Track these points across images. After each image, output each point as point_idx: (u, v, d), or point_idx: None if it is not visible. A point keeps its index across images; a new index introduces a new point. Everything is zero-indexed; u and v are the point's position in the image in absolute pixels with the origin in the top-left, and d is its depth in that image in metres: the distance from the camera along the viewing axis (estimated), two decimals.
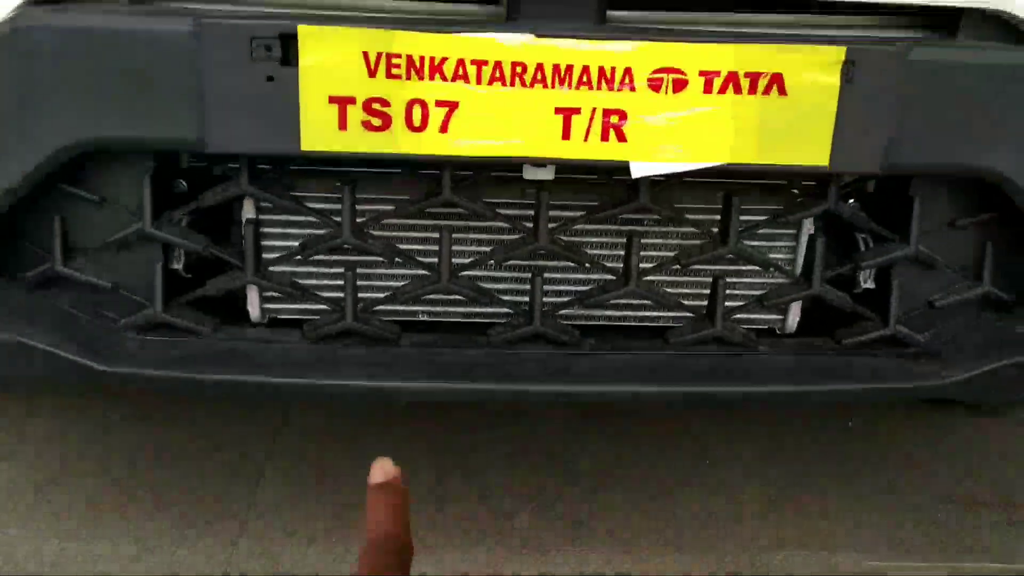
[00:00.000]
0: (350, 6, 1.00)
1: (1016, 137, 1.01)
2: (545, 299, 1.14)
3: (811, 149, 0.99)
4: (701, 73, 0.97)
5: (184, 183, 1.14)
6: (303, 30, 0.93)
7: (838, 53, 0.96)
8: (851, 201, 1.19)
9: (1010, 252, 1.15)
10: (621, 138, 0.98)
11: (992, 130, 1.00)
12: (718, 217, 1.12)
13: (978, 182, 1.07)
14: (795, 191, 1.14)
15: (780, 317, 1.21)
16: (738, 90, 0.97)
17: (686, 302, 1.17)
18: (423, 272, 1.11)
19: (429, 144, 0.98)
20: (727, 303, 1.16)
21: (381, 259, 1.11)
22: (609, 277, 1.13)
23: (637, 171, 1.01)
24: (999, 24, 1.01)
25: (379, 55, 0.94)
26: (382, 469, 0.59)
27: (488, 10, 1.00)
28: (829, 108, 0.98)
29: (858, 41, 0.97)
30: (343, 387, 1.07)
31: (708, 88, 0.97)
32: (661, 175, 1.02)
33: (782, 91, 0.98)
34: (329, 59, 0.94)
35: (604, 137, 0.98)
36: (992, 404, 1.21)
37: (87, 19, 0.95)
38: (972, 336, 1.16)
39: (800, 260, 1.18)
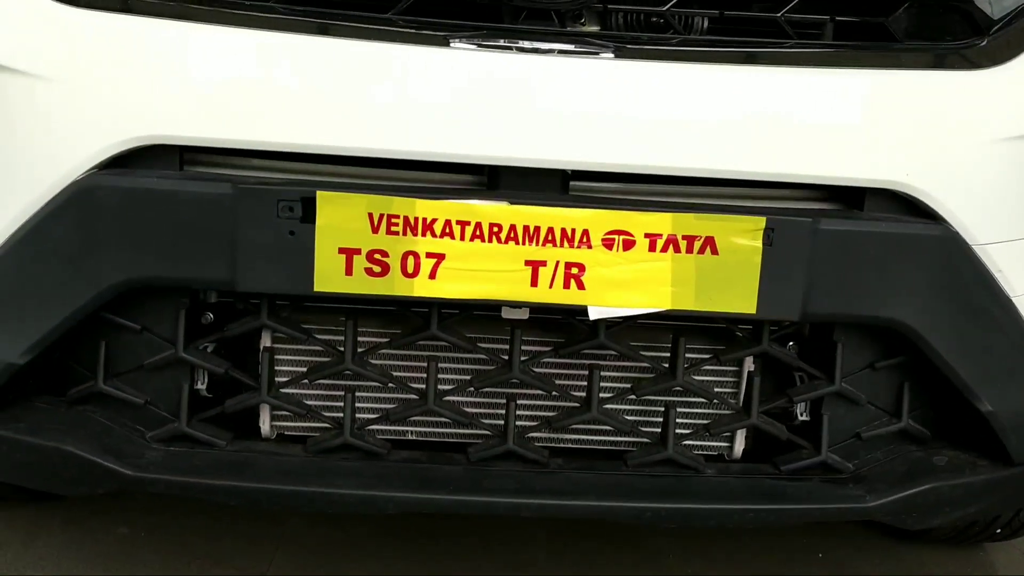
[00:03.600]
0: (359, 175, 1.21)
1: (913, 293, 1.20)
2: (518, 422, 1.31)
3: (741, 299, 1.18)
4: (646, 235, 1.17)
5: (211, 315, 1.33)
6: (321, 195, 1.15)
7: (759, 222, 1.17)
8: (791, 343, 1.37)
9: (924, 391, 1.32)
10: (580, 286, 1.18)
11: (892, 287, 1.20)
12: (668, 354, 1.30)
13: (891, 330, 1.25)
14: (738, 333, 1.32)
15: (728, 444, 1.38)
16: (677, 249, 1.17)
17: (644, 428, 1.34)
18: (412, 396, 1.28)
19: (420, 288, 1.17)
20: (679, 430, 1.33)
21: (376, 384, 1.29)
22: (574, 404, 1.30)
23: (594, 314, 1.19)
24: (898, 199, 1.21)
25: (381, 215, 1.15)
26: None
27: (473, 179, 1.22)
28: (754, 266, 1.18)
29: (779, 212, 1.18)
30: (338, 495, 1.23)
31: (652, 247, 1.17)
32: (615, 318, 1.21)
33: (715, 251, 1.18)
34: (340, 218, 1.15)
35: (566, 285, 1.18)
36: (911, 527, 1.35)
37: (144, 182, 1.17)
38: (894, 465, 1.32)
39: (743, 393, 1.35)
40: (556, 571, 1.70)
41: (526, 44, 1.17)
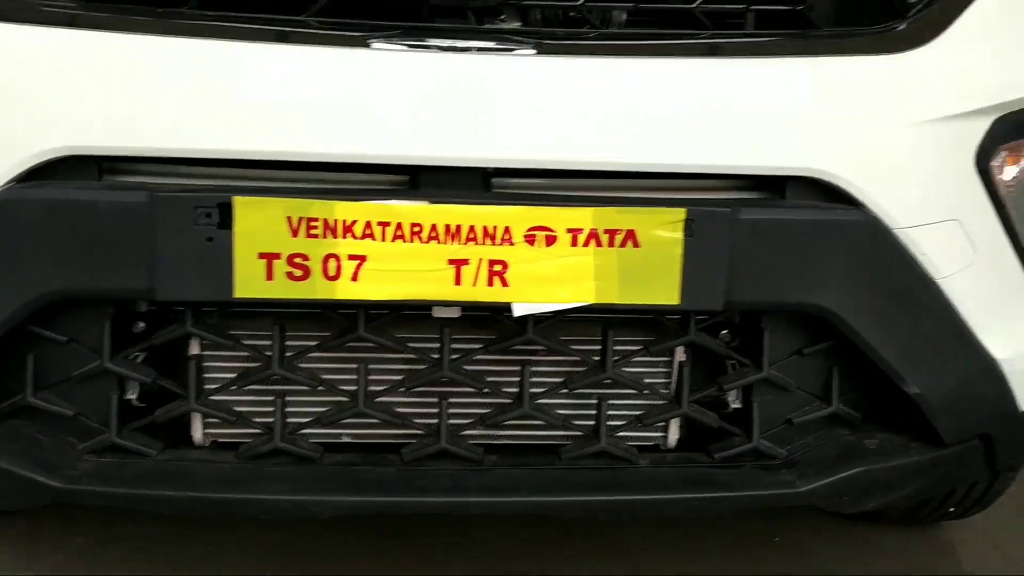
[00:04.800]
0: (280, 178, 1.21)
1: (835, 279, 1.21)
2: (454, 421, 1.31)
3: (664, 290, 1.19)
4: (568, 230, 1.17)
5: (143, 324, 1.32)
6: (238, 200, 1.14)
7: (679, 214, 1.17)
8: (724, 332, 1.38)
9: (853, 376, 1.33)
10: (504, 283, 1.18)
11: (814, 273, 1.20)
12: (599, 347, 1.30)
13: (817, 316, 1.26)
14: (668, 324, 1.33)
15: (664, 434, 1.38)
16: (599, 244, 1.17)
17: (580, 421, 1.34)
18: (343, 399, 1.28)
19: (343, 291, 1.17)
20: (614, 422, 1.33)
21: (308, 387, 1.29)
22: (507, 401, 1.31)
23: (518, 311, 1.20)
24: (819, 186, 1.22)
25: (300, 219, 1.14)
26: None
27: (395, 179, 1.21)
28: (676, 257, 1.18)
29: (699, 203, 1.19)
30: (270, 502, 1.22)
31: (575, 242, 1.18)
32: (544, 313, 1.21)
33: (636, 244, 1.18)
34: (258, 223, 1.14)
35: (490, 283, 1.18)
36: (845, 510, 1.36)
37: (61, 193, 1.15)
38: (825, 449, 1.33)
39: (675, 383, 1.36)
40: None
41: (444, 43, 1.17)
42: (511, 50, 1.17)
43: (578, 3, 1.19)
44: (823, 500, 1.28)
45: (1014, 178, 1.32)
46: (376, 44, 1.15)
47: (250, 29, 1.15)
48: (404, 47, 1.16)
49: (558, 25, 1.24)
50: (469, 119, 1.15)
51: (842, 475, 1.29)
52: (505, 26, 1.22)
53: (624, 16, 1.24)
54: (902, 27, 1.20)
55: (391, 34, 1.17)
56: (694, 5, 1.18)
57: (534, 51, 1.17)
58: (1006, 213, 1.31)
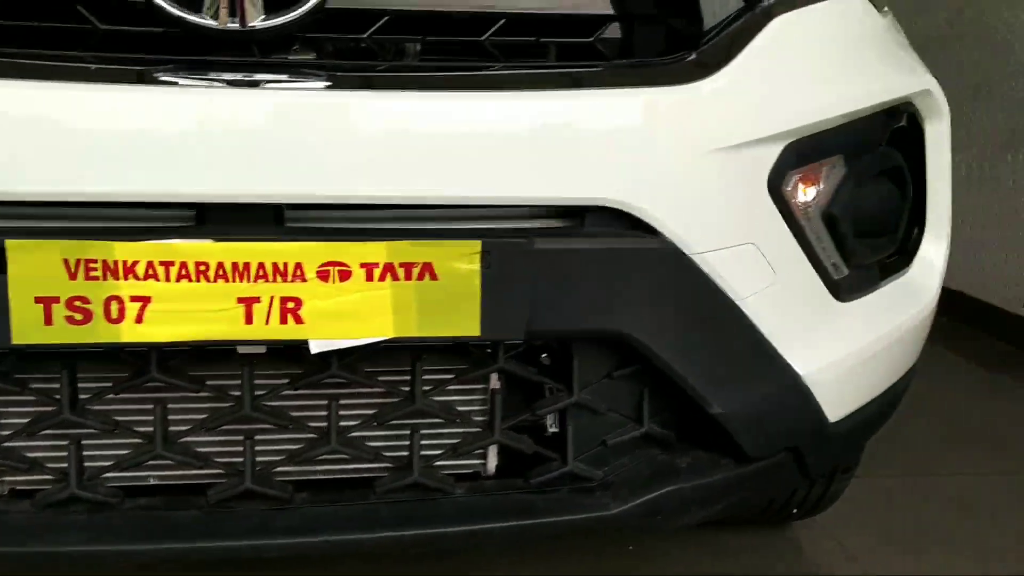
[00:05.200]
0: (63, 217, 1.15)
1: (633, 304, 1.22)
2: (263, 458, 1.28)
3: (464, 322, 1.19)
4: (362, 265, 1.16)
5: None
6: (10, 244, 1.08)
7: (475, 246, 1.17)
8: (544, 356, 1.38)
9: (663, 397, 1.35)
10: (298, 321, 1.16)
11: (612, 300, 1.22)
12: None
13: (622, 340, 1.28)
14: (479, 352, 1.33)
15: (483, 462, 1.38)
16: (396, 277, 1.16)
17: (397, 453, 1.33)
18: (140, 441, 1.24)
19: (127, 334, 1.13)
20: (431, 451, 1.32)
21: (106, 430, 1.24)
22: (315, 436, 1.28)
23: (314, 347, 1.18)
24: (619, 214, 1.23)
25: (78, 261, 1.10)
26: None
27: (182, 216, 1.17)
28: (474, 289, 1.18)
29: (495, 234, 1.18)
30: (64, 554, 1.17)
31: (369, 277, 1.16)
32: (341, 349, 1.19)
33: (433, 277, 1.17)
34: (34, 266, 1.09)
35: (283, 320, 1.15)
36: (662, 529, 1.39)
37: None
38: (639, 470, 1.35)
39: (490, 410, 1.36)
40: None
41: (230, 76, 1.14)
42: (300, 83, 1.15)
43: (362, 36, 1.17)
44: (637, 520, 1.30)
45: (808, 201, 1.37)
46: (158, 78, 1.12)
47: (20, 65, 1.10)
48: (187, 81, 1.12)
49: (352, 58, 1.22)
50: (256, 154, 1.12)
51: (654, 495, 1.31)
52: (295, 58, 1.20)
53: (418, 47, 1.23)
54: (692, 58, 1.22)
55: (173, 68, 1.13)
56: (482, 38, 1.18)
57: (325, 84, 1.15)
58: (804, 235, 1.36)
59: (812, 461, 1.46)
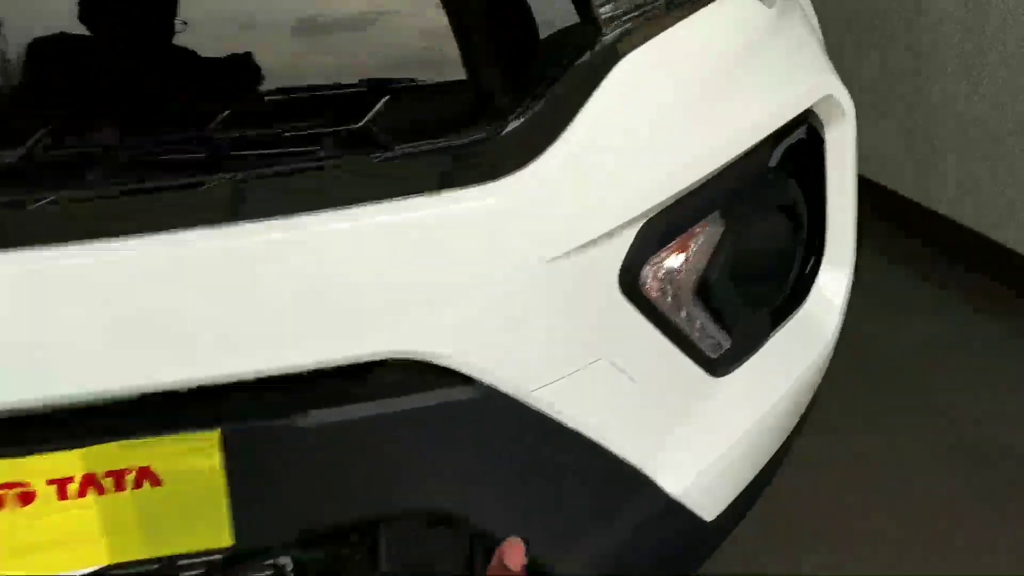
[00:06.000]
0: None
1: (444, 472, 0.92)
2: None
3: (209, 532, 0.87)
4: (50, 482, 0.82)
5: None
6: None
7: (210, 438, 0.84)
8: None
9: None
10: None
11: (418, 472, 0.91)
12: None
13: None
14: None
15: None
16: (101, 490, 0.83)
17: None
18: None
19: None
20: None
21: None
22: None
23: None
24: (420, 366, 0.89)
25: None
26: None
27: None
28: (217, 489, 0.86)
29: (239, 415, 0.85)
30: None
31: (63, 494, 0.83)
32: None
33: (156, 482, 0.84)
34: None
35: None
36: None
37: None
38: None
39: None
40: None
41: None
42: None
43: None
44: None
45: (677, 282, 1.06)
46: None
47: None
48: None
49: None
50: None
51: None
52: None
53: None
54: (503, 137, 0.86)
55: None
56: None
57: None
58: (671, 325, 1.06)
59: (689, 564, 1.23)
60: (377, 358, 0.86)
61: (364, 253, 0.82)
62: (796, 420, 1.34)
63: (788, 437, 1.34)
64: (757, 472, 1.27)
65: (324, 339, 0.83)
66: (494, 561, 0.55)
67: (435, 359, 0.87)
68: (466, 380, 0.89)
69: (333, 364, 0.84)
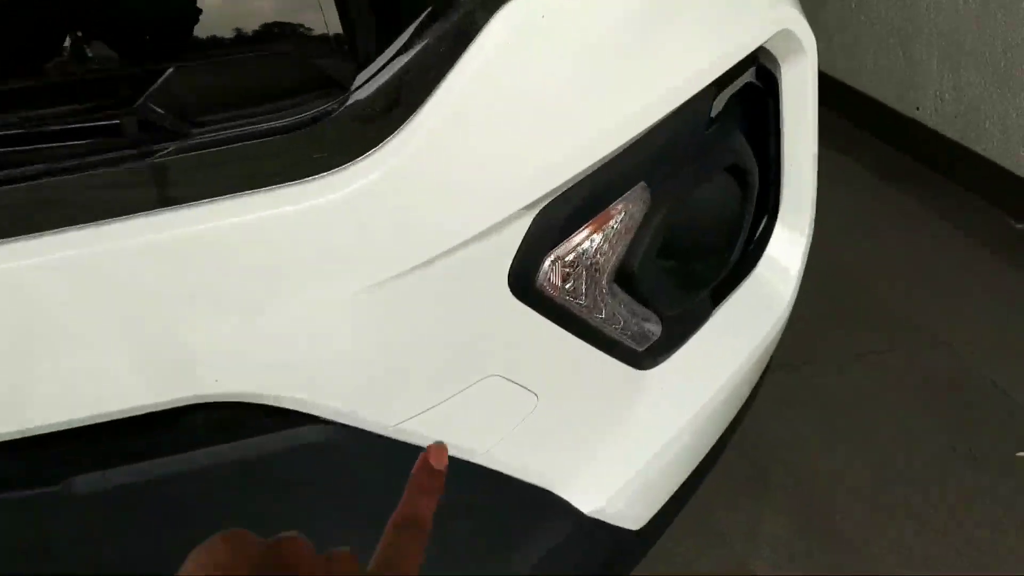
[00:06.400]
0: None
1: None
2: None
3: None
4: None
5: None
6: None
7: None
8: None
9: None
10: None
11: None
12: None
13: None
14: None
15: None
16: None
17: None
18: None
19: None
20: None
21: None
22: None
23: None
24: (255, 408, 0.70)
25: None
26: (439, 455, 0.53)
27: None
28: None
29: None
30: None
31: None
32: None
33: None
34: None
35: None
36: None
37: None
38: None
39: None
40: None
41: None
42: None
43: None
44: None
45: (591, 270, 0.87)
46: None
47: None
48: None
49: None
50: None
51: None
52: None
53: None
54: (345, 111, 0.64)
55: None
56: None
57: None
58: (583, 322, 0.87)
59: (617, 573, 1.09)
60: (188, 403, 0.67)
61: (133, 279, 0.62)
62: (743, 402, 1.18)
63: (734, 418, 1.19)
64: (696, 465, 1.12)
65: (122, 384, 0.64)
66: (419, 463, 0.49)
67: (263, 400, 0.69)
68: (309, 419, 0.72)
69: (129, 413, 0.66)
